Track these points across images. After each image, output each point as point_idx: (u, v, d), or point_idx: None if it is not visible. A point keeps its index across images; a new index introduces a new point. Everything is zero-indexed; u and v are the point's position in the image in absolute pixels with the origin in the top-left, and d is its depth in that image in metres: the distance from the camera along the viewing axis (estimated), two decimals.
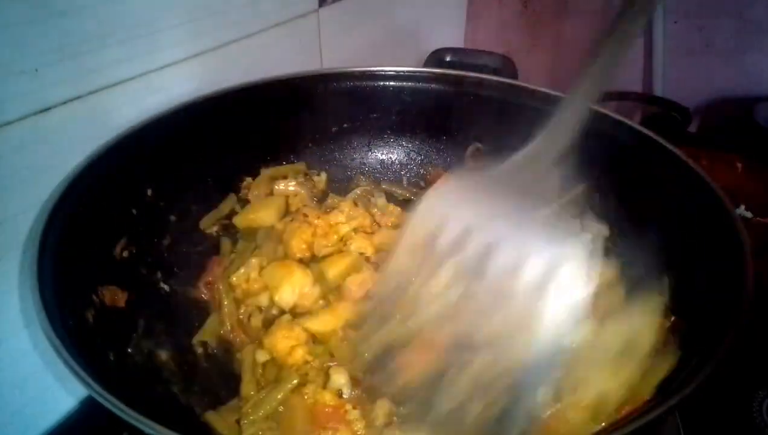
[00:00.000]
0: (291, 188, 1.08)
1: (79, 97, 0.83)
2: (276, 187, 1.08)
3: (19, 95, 0.76)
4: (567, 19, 2.37)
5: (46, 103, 0.79)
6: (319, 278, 0.91)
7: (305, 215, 1.01)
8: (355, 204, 1.07)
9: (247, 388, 0.81)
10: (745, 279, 0.68)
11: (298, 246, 0.97)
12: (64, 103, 0.81)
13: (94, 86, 0.85)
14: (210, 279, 0.95)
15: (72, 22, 0.79)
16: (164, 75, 0.95)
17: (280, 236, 0.99)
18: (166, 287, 0.92)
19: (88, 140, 0.82)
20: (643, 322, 0.72)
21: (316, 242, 0.98)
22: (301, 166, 1.13)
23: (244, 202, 1.06)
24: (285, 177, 1.09)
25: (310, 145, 1.14)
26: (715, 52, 1.96)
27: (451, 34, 1.84)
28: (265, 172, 1.08)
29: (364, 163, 1.19)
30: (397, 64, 1.12)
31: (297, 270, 0.90)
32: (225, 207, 1.04)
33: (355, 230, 1.01)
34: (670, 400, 0.58)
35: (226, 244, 1.01)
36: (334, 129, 1.15)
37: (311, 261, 0.96)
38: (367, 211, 1.06)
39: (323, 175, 1.14)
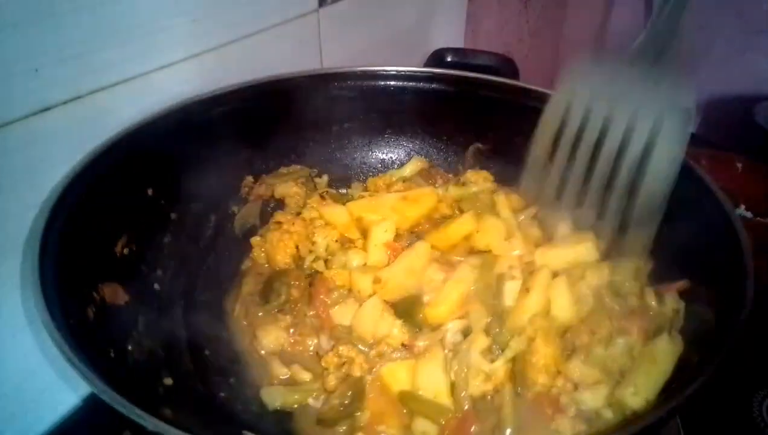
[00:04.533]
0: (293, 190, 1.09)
1: (79, 97, 0.83)
2: (276, 189, 1.08)
3: (19, 95, 0.76)
4: (567, 19, 2.37)
5: (46, 103, 0.79)
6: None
7: (279, 223, 1.03)
8: (323, 198, 1.08)
9: None
10: (744, 279, 0.68)
11: (283, 260, 0.99)
12: (64, 103, 0.81)
13: (94, 86, 0.85)
14: None
15: (72, 22, 0.79)
16: (164, 75, 0.95)
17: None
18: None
19: (88, 140, 0.83)
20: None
21: (301, 246, 1.00)
22: (300, 168, 1.13)
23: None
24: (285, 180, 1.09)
25: (310, 144, 1.14)
26: (715, 51, 1.96)
27: (451, 34, 1.84)
28: (266, 176, 1.09)
29: (365, 163, 1.19)
30: (397, 64, 1.12)
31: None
32: None
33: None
34: (671, 402, 0.58)
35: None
36: (334, 128, 1.15)
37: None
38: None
39: (324, 178, 1.15)
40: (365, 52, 1.42)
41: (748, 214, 1.31)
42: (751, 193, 1.31)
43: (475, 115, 1.12)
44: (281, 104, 1.06)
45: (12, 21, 0.73)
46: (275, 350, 0.90)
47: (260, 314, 0.94)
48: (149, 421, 0.54)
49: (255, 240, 1.04)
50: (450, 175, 1.17)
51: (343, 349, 0.84)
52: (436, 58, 1.47)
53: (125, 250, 0.85)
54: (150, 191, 0.91)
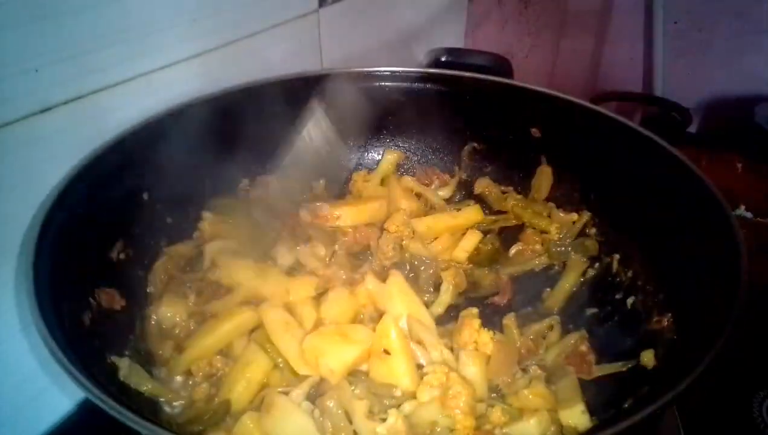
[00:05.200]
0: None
1: (79, 97, 0.83)
2: (270, 186, 1.07)
3: (19, 95, 0.75)
4: (567, 20, 2.37)
5: (46, 103, 0.79)
6: None
7: None
8: None
9: None
10: (740, 277, 0.68)
11: None
12: (65, 103, 0.81)
13: (94, 86, 0.85)
14: None
15: (72, 22, 0.79)
16: (164, 75, 0.95)
17: None
18: None
19: (88, 140, 0.82)
20: None
21: None
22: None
23: None
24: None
25: None
26: (715, 52, 1.96)
27: (451, 34, 1.84)
28: (260, 177, 1.08)
29: (361, 164, 1.19)
30: (397, 64, 1.12)
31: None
32: None
33: None
34: (665, 396, 0.58)
35: None
36: None
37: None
38: None
39: (321, 182, 1.14)
40: (365, 52, 1.42)
41: (748, 215, 1.31)
42: (751, 193, 1.31)
43: (470, 115, 1.12)
44: (279, 105, 1.05)
45: (12, 21, 0.72)
46: (168, 326, 0.85)
47: (175, 279, 0.90)
48: (144, 427, 0.53)
49: (206, 214, 1.00)
50: (447, 176, 1.17)
51: (217, 359, 0.79)
52: (432, 58, 1.47)
53: (121, 255, 0.84)
54: (146, 195, 0.91)
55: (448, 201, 1.15)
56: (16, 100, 0.75)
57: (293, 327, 0.80)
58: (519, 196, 1.12)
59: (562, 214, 1.05)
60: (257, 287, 0.87)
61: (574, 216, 1.04)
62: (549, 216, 1.07)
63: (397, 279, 0.87)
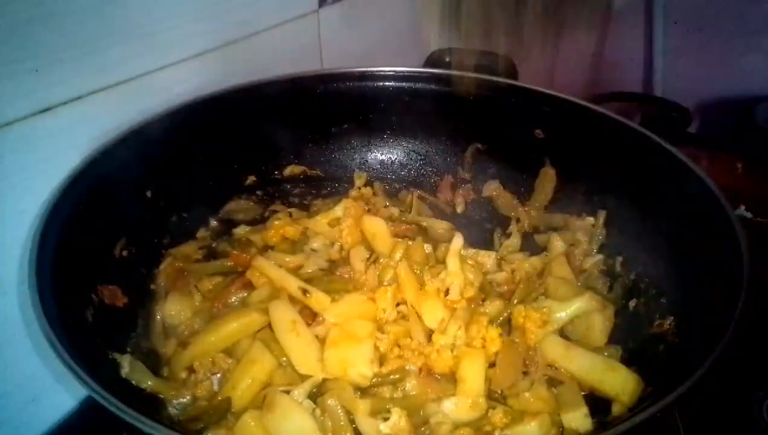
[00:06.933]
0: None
1: (79, 97, 0.83)
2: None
3: (19, 95, 0.76)
4: (567, 20, 2.36)
5: (47, 103, 0.79)
6: None
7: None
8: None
9: None
10: (741, 278, 0.68)
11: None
12: (65, 102, 0.81)
13: (94, 86, 0.85)
14: None
15: (72, 22, 0.79)
16: (164, 75, 0.95)
17: None
18: None
19: (88, 140, 0.83)
20: None
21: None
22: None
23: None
24: None
25: (310, 145, 1.14)
26: (715, 52, 1.96)
27: (451, 35, 1.84)
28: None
29: (365, 163, 1.19)
30: (397, 64, 1.12)
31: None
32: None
33: None
34: (666, 398, 0.58)
35: None
36: (333, 129, 1.15)
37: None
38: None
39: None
40: (365, 52, 1.42)
41: (748, 215, 1.31)
42: (751, 193, 1.31)
43: (474, 115, 1.12)
44: (281, 105, 1.06)
45: (12, 21, 0.73)
46: (172, 324, 0.85)
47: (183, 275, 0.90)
48: (147, 425, 0.54)
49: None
50: (469, 192, 1.15)
51: (220, 357, 0.79)
52: (435, 58, 1.47)
53: (124, 252, 0.85)
54: (149, 193, 0.91)
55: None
56: (16, 100, 0.75)
57: (300, 326, 0.80)
58: (534, 214, 1.08)
59: (578, 222, 1.02)
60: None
61: (591, 220, 1.01)
62: (567, 226, 1.03)
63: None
